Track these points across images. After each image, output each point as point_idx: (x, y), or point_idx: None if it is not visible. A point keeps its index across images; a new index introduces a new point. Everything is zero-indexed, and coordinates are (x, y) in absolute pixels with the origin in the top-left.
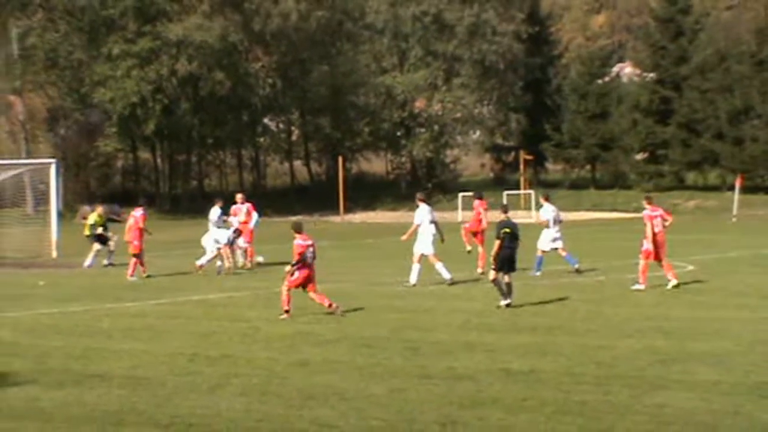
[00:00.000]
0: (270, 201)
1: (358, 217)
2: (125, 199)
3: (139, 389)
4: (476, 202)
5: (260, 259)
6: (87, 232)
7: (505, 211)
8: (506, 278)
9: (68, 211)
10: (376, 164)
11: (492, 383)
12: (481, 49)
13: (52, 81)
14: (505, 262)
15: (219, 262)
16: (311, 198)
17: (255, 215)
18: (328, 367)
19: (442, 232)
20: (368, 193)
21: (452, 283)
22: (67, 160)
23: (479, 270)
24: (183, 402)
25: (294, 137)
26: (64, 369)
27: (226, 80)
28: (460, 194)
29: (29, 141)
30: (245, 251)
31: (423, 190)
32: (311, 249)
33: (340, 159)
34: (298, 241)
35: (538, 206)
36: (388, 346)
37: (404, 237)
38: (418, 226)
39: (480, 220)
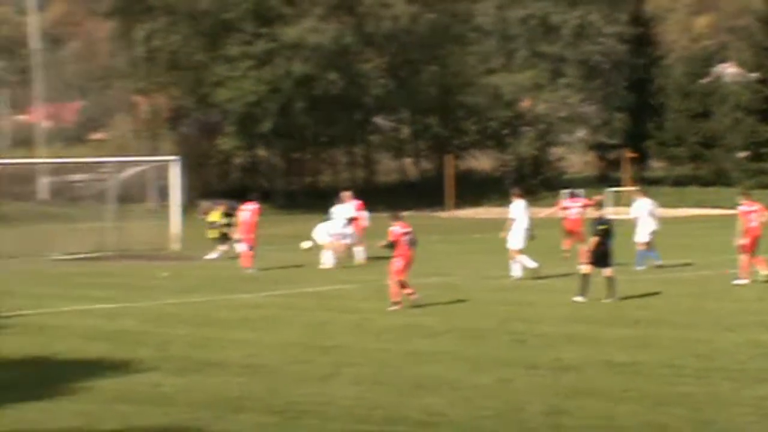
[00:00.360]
0: (381, 197)
1: (466, 212)
2: (243, 195)
3: (255, 377)
4: (566, 201)
5: (306, 245)
6: (212, 235)
7: (599, 209)
8: (607, 272)
9: (189, 205)
10: (483, 161)
11: (595, 374)
12: (586, 50)
13: (174, 82)
14: (600, 257)
15: (328, 255)
16: (420, 194)
17: (365, 213)
18: (437, 358)
19: (533, 228)
20: (475, 189)
21: (519, 280)
22: (188, 158)
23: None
24: (297, 389)
25: (404, 135)
26: (185, 356)
27: (339, 80)
28: (564, 191)
29: (153, 139)
30: (352, 247)
31: (518, 186)
32: (409, 236)
33: (448, 156)
34: (395, 228)
35: (632, 201)
36: (495, 338)
37: (503, 233)
38: (514, 220)
39: (575, 219)
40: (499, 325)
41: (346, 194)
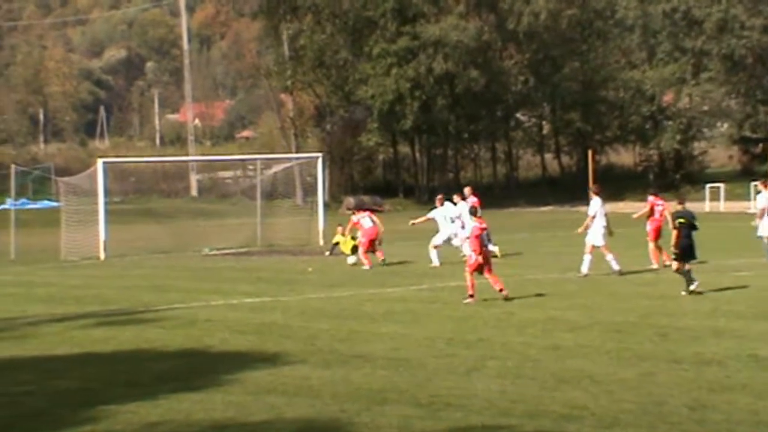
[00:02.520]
0: (522, 192)
1: (608, 207)
2: (386, 190)
3: (400, 370)
4: (650, 198)
5: (351, 260)
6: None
7: (681, 202)
8: (686, 267)
9: (333, 201)
10: (624, 156)
11: (740, 369)
12: (730, 43)
13: (319, 80)
14: (686, 251)
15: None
16: (561, 189)
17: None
18: (579, 352)
19: (610, 224)
20: (617, 184)
21: (621, 274)
22: (333, 154)
23: (665, 261)
24: (441, 383)
25: (545, 131)
26: (331, 350)
27: (480, 77)
28: (708, 185)
29: (298, 136)
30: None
31: (596, 184)
32: (486, 232)
33: (590, 152)
34: (475, 223)
35: (757, 192)
36: (637, 332)
37: (580, 230)
38: (593, 217)
39: (658, 217)
40: (641, 319)
41: (467, 189)
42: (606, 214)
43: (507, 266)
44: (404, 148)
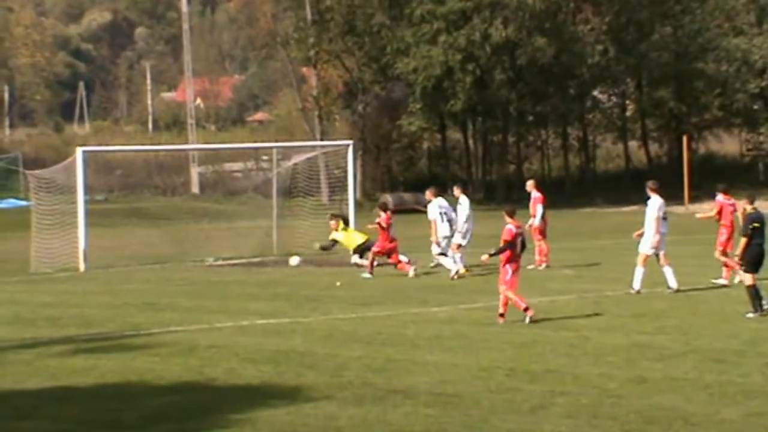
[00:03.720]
0: (601, 187)
1: (707, 206)
2: (432, 185)
3: (449, 408)
4: (719, 197)
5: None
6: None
7: (752, 202)
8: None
9: (366, 199)
10: (727, 144)
11: None
12: None
13: (349, 50)
14: (756, 261)
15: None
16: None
17: (539, 209)
18: (670, 385)
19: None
20: (719, 178)
21: (676, 291)
22: (366, 142)
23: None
24: (501, 423)
25: (629, 112)
26: (363, 383)
27: (548, 47)
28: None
29: (323, 119)
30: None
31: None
32: (521, 238)
33: (685, 138)
34: (510, 226)
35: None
36: (743, 362)
37: (636, 234)
38: (664, 218)
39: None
40: (747, 347)
41: (530, 183)
42: (666, 218)
43: (581, 280)
44: (454, 134)
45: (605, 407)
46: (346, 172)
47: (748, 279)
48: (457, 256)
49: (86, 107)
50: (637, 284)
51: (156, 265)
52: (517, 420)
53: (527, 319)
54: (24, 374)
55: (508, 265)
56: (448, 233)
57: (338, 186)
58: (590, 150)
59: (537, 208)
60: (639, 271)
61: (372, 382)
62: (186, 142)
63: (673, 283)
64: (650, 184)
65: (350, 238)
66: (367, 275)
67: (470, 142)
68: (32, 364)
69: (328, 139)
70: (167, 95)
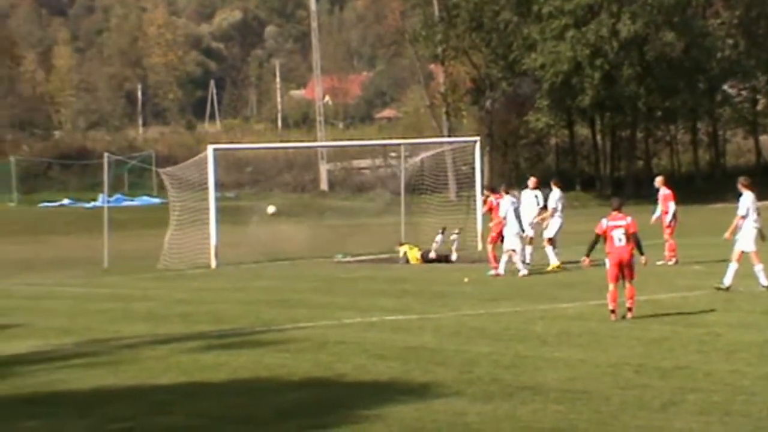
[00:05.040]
0: (731, 183)
1: None
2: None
3: (578, 404)
4: None
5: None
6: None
7: None
8: None
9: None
10: None
11: None
12: None
13: (476, 46)
14: None
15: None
16: None
17: (672, 206)
18: None
19: (762, 226)
20: None
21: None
22: (493, 138)
23: None
24: (630, 420)
25: (760, 106)
26: (492, 379)
27: (677, 41)
28: None
29: (451, 116)
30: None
31: (745, 176)
32: (621, 230)
33: None
34: (605, 219)
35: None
36: None
37: (727, 234)
38: (743, 217)
39: None
40: None
41: (659, 179)
42: (759, 213)
43: (712, 276)
44: (582, 130)
45: (737, 404)
46: (473, 168)
47: None
48: (528, 250)
49: (217, 105)
50: (728, 280)
51: (285, 262)
52: (647, 417)
53: (611, 316)
54: (158, 370)
55: (608, 259)
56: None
57: (466, 182)
58: (720, 145)
59: (669, 205)
60: (732, 267)
61: (501, 378)
62: (315, 140)
63: (763, 281)
64: (742, 180)
65: (412, 251)
66: (493, 272)
67: (598, 137)
68: (166, 360)
69: (456, 136)
70: (296, 93)
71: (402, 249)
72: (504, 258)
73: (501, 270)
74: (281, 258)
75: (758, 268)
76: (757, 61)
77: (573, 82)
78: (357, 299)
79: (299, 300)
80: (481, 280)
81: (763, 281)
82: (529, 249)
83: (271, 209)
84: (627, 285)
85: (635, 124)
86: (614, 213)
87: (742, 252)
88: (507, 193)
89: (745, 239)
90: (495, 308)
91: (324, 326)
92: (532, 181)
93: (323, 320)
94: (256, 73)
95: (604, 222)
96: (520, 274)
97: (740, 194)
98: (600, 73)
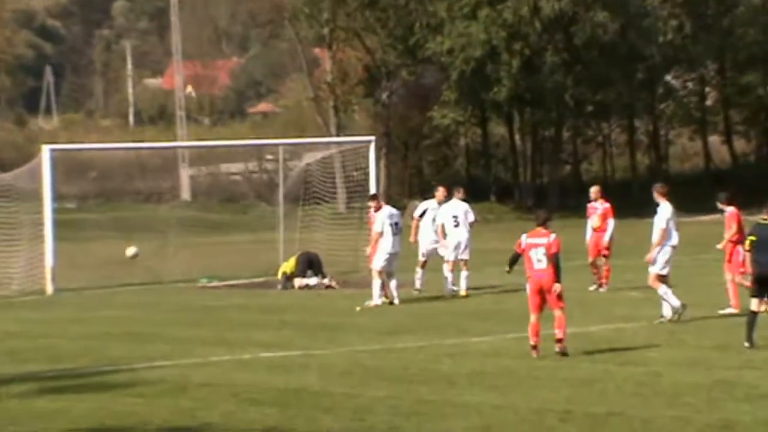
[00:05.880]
0: (675, 192)
1: None
2: (471, 191)
3: None
4: None
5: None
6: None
7: None
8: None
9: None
10: None
11: None
12: None
13: (370, 26)
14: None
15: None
16: (735, 189)
17: (611, 222)
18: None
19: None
20: None
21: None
22: (391, 138)
23: None
24: None
25: (709, 101)
26: (390, 428)
27: (611, 22)
28: None
29: (340, 111)
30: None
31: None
32: (541, 250)
33: None
34: (524, 236)
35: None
36: None
37: (648, 257)
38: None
39: None
40: None
41: (594, 189)
42: (677, 229)
43: (651, 304)
44: (498, 129)
45: None
46: (367, 174)
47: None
48: (463, 274)
49: (54, 97)
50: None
51: (139, 287)
52: None
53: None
54: None
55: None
56: (392, 249)
57: (358, 191)
58: (662, 147)
59: (608, 223)
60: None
61: (400, 427)
62: (174, 139)
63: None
64: (658, 187)
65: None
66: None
67: (517, 138)
68: None
69: (346, 135)
70: (152, 82)
71: (281, 269)
72: (447, 273)
73: (458, 287)
74: (134, 283)
75: (662, 291)
76: (705, 47)
77: (487, 70)
78: (226, 332)
79: (155, 333)
80: (377, 310)
81: (665, 310)
82: (419, 272)
83: (130, 251)
84: (555, 314)
85: (561, 122)
86: (538, 228)
87: (657, 275)
88: (387, 203)
89: (660, 260)
90: (394, 343)
91: (185, 365)
92: (594, 191)
93: (184, 358)
94: (102, 57)
95: (523, 238)
96: (371, 303)
97: (657, 205)
98: (519, 60)
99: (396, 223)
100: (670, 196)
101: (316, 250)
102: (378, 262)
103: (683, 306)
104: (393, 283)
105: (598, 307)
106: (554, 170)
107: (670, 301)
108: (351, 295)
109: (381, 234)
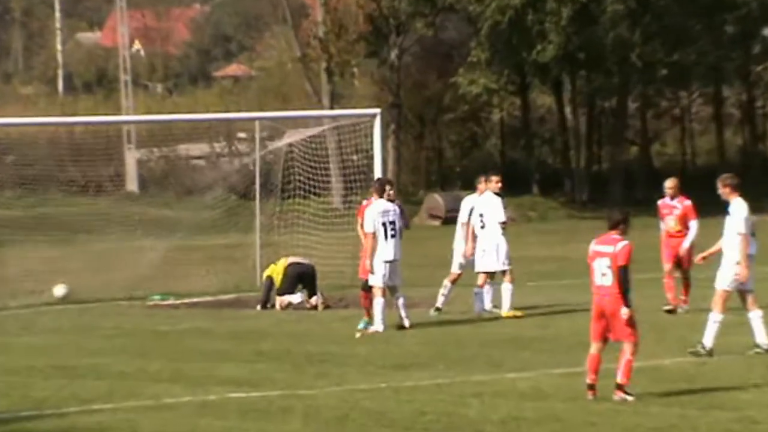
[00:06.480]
0: None
1: None
2: (507, 181)
3: None
4: None
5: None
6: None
7: None
8: None
9: (404, 201)
10: None
11: None
12: None
13: None
14: None
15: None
16: None
17: (694, 225)
18: None
19: None
20: None
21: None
22: (402, 111)
23: None
24: None
25: None
26: None
27: None
28: None
29: (335, 75)
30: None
31: None
32: (606, 261)
33: None
34: (625, 242)
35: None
36: None
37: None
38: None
39: None
40: None
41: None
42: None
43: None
44: (542, 99)
45: None
46: (370, 158)
47: None
48: (486, 291)
49: None
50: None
51: (72, 305)
52: None
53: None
54: None
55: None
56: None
57: (359, 180)
58: (759, 122)
59: (690, 226)
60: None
61: None
62: (118, 113)
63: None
64: (727, 180)
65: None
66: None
67: (567, 110)
68: None
69: (343, 106)
70: (87, 37)
71: (266, 273)
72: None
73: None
74: (66, 301)
75: (753, 314)
76: None
77: (528, 22)
78: (184, 365)
79: (91, 367)
80: (382, 336)
81: (759, 338)
82: (448, 287)
83: (59, 291)
84: (623, 347)
85: (626, 90)
86: (609, 233)
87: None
88: (381, 195)
89: (723, 273)
90: (403, 380)
91: (131, 409)
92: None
93: (129, 399)
94: (21, 5)
95: (592, 245)
96: (373, 328)
97: (727, 203)
98: (570, 8)
99: (392, 222)
100: (744, 190)
101: (304, 256)
102: (375, 277)
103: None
104: (400, 301)
105: (674, 332)
106: (617, 153)
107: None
108: (348, 318)
109: (373, 236)
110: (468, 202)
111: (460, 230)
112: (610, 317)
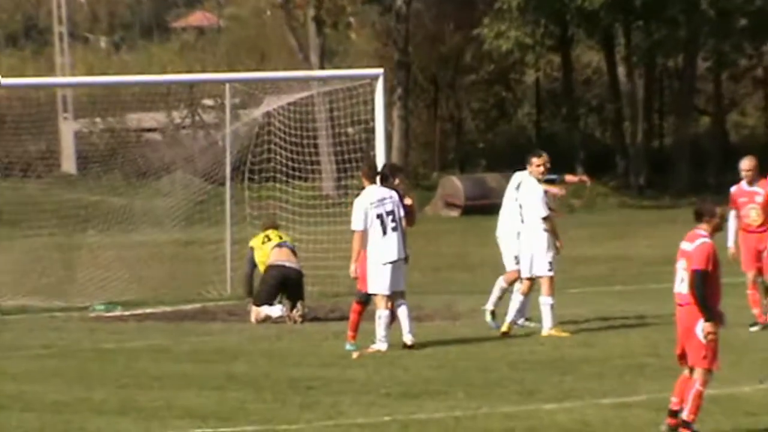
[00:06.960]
0: None
1: None
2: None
3: None
4: None
5: None
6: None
7: None
8: None
9: (415, 187)
10: None
11: None
12: None
13: None
14: None
15: None
16: None
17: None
18: None
19: None
20: None
21: None
22: (411, 72)
23: None
24: None
25: None
26: None
27: None
28: None
29: (326, 26)
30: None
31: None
32: (683, 264)
33: None
34: (705, 239)
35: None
36: None
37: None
38: None
39: None
40: None
41: (747, 163)
42: None
43: None
44: (588, 56)
45: None
46: (371, 130)
47: None
48: (517, 300)
49: None
50: None
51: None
52: None
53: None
54: None
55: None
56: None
57: (355, 160)
58: None
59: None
60: None
61: None
62: (52, 73)
63: None
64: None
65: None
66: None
67: (620, 71)
68: None
69: (337, 65)
70: None
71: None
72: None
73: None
74: None
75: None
76: None
77: None
78: (135, 393)
79: (16, 395)
80: (386, 357)
81: None
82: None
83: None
84: (694, 375)
85: (695, 45)
86: (697, 227)
87: None
88: (373, 180)
89: None
90: (413, 412)
91: None
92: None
93: None
94: None
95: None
96: (375, 347)
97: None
98: None
99: (390, 213)
100: None
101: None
102: (375, 283)
103: None
104: (402, 311)
105: (756, 354)
106: (683, 125)
107: None
108: (342, 333)
109: (364, 234)
110: (517, 178)
111: (507, 216)
112: (684, 334)
